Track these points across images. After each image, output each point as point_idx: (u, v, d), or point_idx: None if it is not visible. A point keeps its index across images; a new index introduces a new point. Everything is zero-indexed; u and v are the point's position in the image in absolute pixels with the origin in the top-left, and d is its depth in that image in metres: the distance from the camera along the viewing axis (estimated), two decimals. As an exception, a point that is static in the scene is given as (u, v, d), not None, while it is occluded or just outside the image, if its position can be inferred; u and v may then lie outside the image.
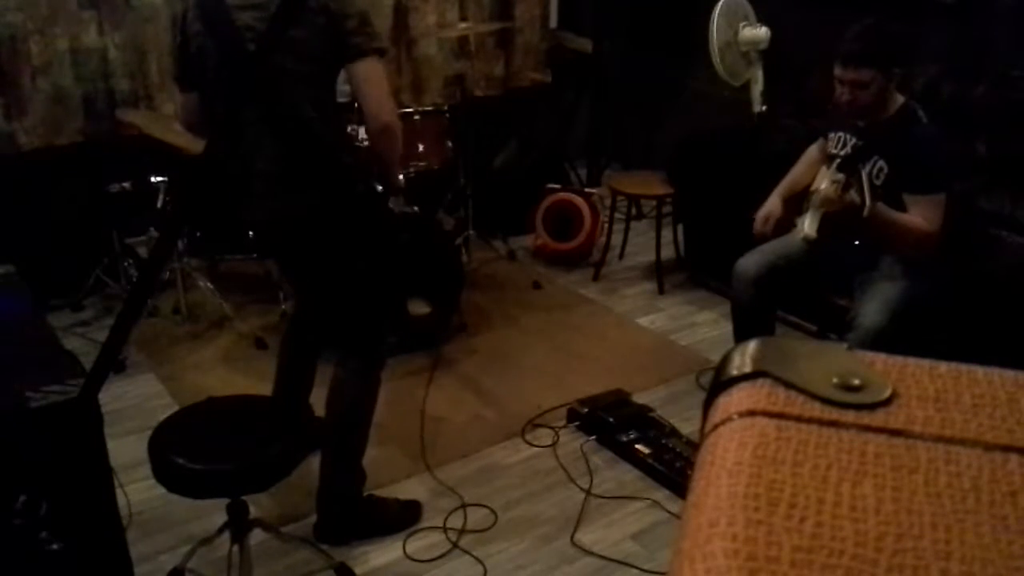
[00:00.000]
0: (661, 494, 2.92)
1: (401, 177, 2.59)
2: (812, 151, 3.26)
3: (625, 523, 2.81)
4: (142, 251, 3.94)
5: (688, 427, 3.19)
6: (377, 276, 2.64)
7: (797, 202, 2.98)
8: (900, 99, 2.93)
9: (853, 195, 2.79)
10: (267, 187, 2.46)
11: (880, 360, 0.46)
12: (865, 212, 2.74)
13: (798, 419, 0.42)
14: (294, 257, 2.67)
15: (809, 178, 3.07)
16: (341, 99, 2.64)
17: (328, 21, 2.28)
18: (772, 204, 3.15)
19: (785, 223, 3.01)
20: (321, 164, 2.42)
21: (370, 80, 2.36)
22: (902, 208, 2.86)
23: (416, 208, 3.68)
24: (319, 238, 2.49)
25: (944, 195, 2.86)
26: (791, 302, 3.68)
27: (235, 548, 2.32)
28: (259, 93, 2.32)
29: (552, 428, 3.25)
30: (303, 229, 2.49)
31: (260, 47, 2.23)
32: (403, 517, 2.79)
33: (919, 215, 2.84)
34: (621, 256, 4.69)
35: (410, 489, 2.93)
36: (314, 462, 2.66)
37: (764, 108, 4.22)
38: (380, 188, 2.58)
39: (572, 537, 2.74)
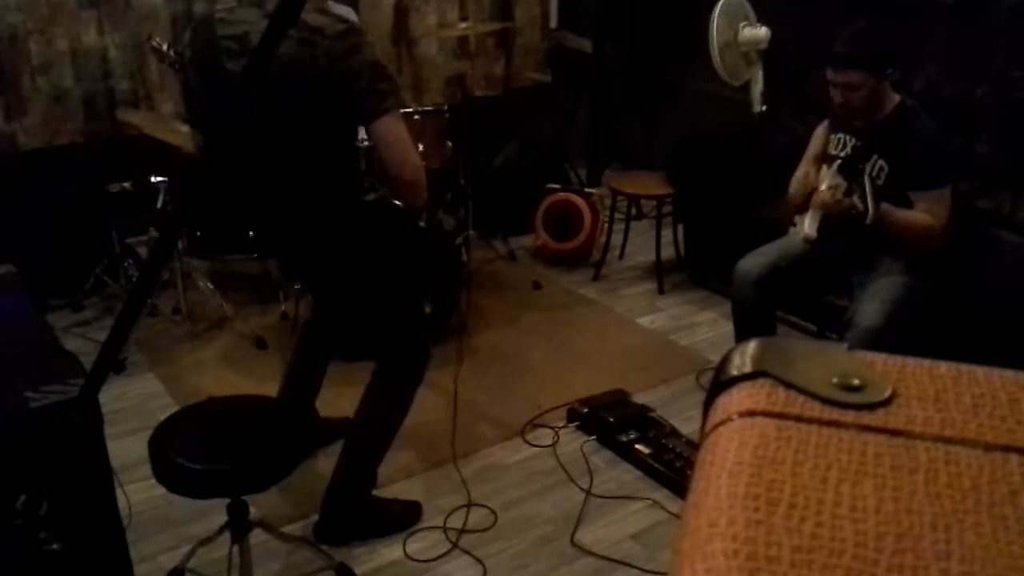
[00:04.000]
0: (661, 494, 2.92)
1: (426, 195, 2.56)
2: (818, 135, 3.22)
3: (625, 523, 2.81)
4: (142, 251, 3.94)
5: (688, 427, 3.19)
6: (409, 293, 2.63)
7: (801, 202, 2.97)
8: (896, 98, 2.94)
9: (856, 201, 2.79)
10: (289, 235, 2.48)
11: (880, 360, 0.46)
12: (868, 220, 2.74)
13: (798, 419, 0.42)
14: (321, 283, 2.67)
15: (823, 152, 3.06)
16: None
17: (333, 85, 2.18)
18: (806, 165, 3.09)
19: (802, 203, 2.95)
20: (336, 213, 2.42)
21: (387, 141, 2.24)
22: (907, 206, 2.86)
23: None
24: (348, 267, 2.50)
25: (948, 189, 2.87)
26: (791, 302, 3.68)
27: (235, 548, 2.32)
28: (267, 154, 2.30)
29: (552, 428, 3.25)
30: (331, 263, 2.50)
31: (243, 88, 2.20)
32: (403, 517, 2.79)
33: (925, 211, 2.84)
34: (621, 256, 4.69)
35: (410, 489, 2.93)
36: (314, 462, 2.67)
37: (764, 108, 4.22)
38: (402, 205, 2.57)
39: (572, 537, 2.74)
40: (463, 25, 4.69)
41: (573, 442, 3.19)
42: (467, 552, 2.68)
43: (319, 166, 2.34)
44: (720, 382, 0.46)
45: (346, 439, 2.68)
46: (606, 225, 4.61)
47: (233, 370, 3.61)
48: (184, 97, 2.51)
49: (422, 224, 2.73)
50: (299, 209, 2.41)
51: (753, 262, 3.11)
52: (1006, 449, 0.40)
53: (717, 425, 0.43)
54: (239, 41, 2.24)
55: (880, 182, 2.89)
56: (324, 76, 2.16)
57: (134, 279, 3.81)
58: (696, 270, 4.41)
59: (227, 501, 2.27)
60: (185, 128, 3.50)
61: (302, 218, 2.42)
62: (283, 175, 2.35)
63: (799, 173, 3.05)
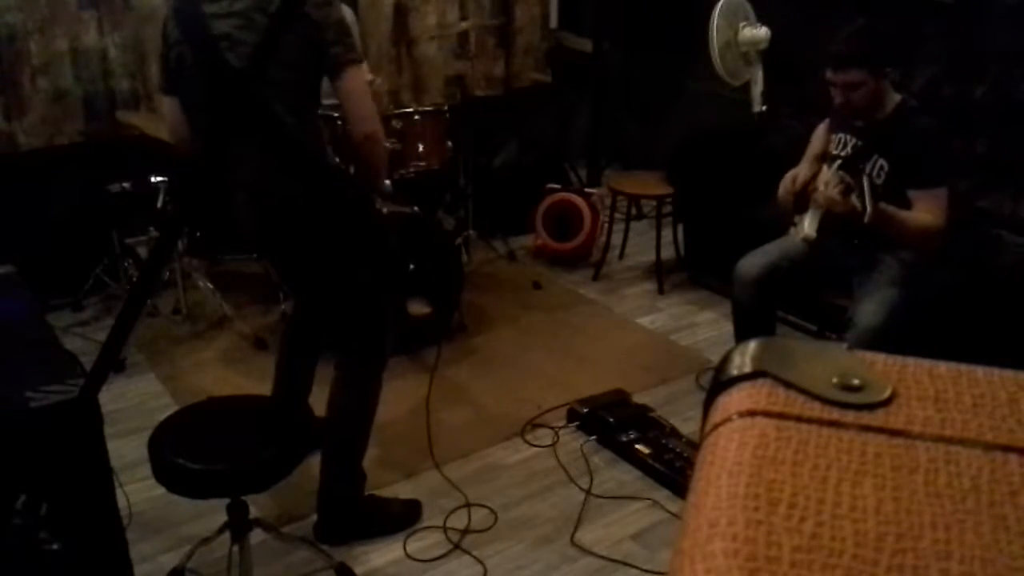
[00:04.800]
0: (661, 494, 2.92)
1: (388, 183, 2.59)
2: (818, 134, 3.22)
3: (625, 523, 2.81)
4: (142, 251, 3.94)
5: (688, 427, 3.19)
6: (372, 278, 2.64)
7: (800, 201, 2.97)
8: (897, 97, 2.94)
9: (854, 200, 2.79)
10: (252, 197, 2.46)
11: (880, 360, 0.46)
12: (866, 219, 2.74)
13: (798, 419, 0.42)
14: (287, 262, 2.67)
15: (823, 151, 3.06)
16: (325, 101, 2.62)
17: (308, 30, 2.26)
18: (801, 168, 3.09)
19: (801, 202, 2.95)
20: (305, 170, 2.42)
21: (352, 91, 2.35)
22: (906, 204, 2.86)
23: (416, 208, 3.68)
24: (311, 243, 2.49)
25: (946, 189, 2.87)
26: (791, 302, 3.68)
27: (235, 548, 2.32)
28: (243, 103, 2.30)
29: (552, 428, 3.25)
30: (293, 235, 2.48)
31: (253, 62, 2.21)
32: (403, 517, 2.79)
33: (924, 209, 2.84)
34: (621, 256, 4.69)
35: (410, 489, 2.93)
36: (314, 462, 2.66)
37: (764, 108, 4.22)
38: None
39: (572, 537, 2.74)
40: (463, 25, 4.69)
41: (573, 442, 3.19)
42: (467, 552, 2.68)
43: (288, 116, 2.34)
44: (720, 382, 0.46)
45: (322, 440, 2.67)
46: (606, 225, 4.60)
47: (233, 370, 3.61)
48: (162, 67, 2.50)
49: (383, 209, 2.76)
50: (267, 163, 2.39)
51: (753, 262, 3.11)
52: (1006, 449, 0.40)
53: (717, 425, 0.43)
54: None
55: (880, 181, 2.89)
56: (302, 18, 2.25)
57: (134, 279, 3.81)
58: (696, 270, 4.41)
59: (227, 501, 2.27)
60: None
61: (270, 173, 2.40)
62: (254, 122, 2.34)
63: (788, 175, 3.03)
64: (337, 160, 2.57)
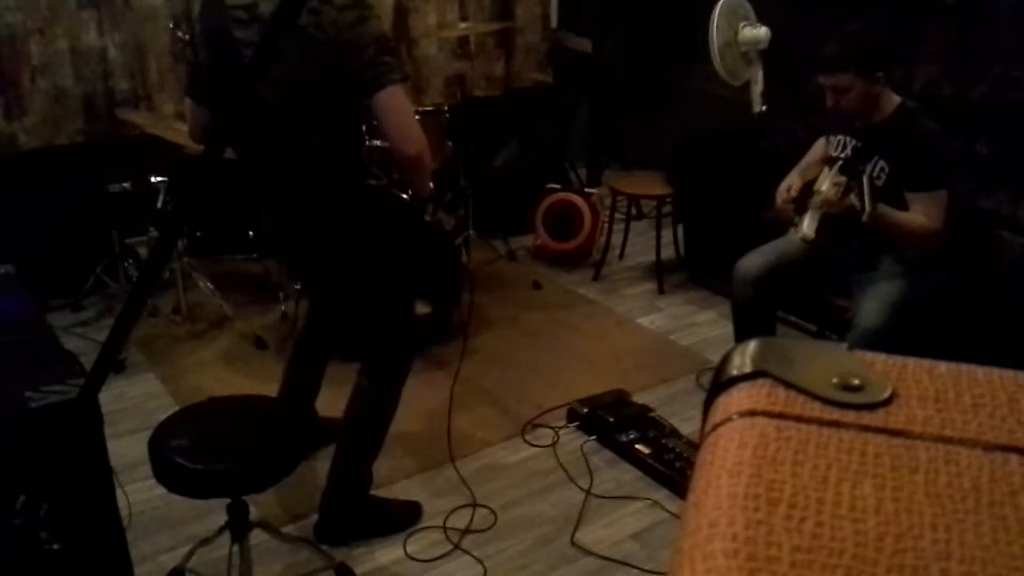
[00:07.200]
0: (661, 494, 2.92)
1: (431, 184, 2.56)
2: (818, 145, 3.25)
3: (625, 523, 2.81)
4: (142, 251, 3.94)
5: (688, 427, 3.19)
6: (406, 288, 2.63)
7: (800, 201, 2.98)
8: (896, 99, 2.94)
9: (853, 199, 2.80)
10: (289, 218, 2.47)
11: (880, 360, 0.46)
12: (864, 218, 2.74)
13: (798, 419, 0.42)
14: (315, 271, 2.66)
15: (819, 168, 3.08)
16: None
17: (339, 55, 2.18)
18: (792, 178, 3.12)
19: (801, 203, 2.97)
20: (339, 196, 2.40)
21: (390, 112, 2.24)
22: (904, 206, 2.86)
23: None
24: (343, 254, 2.48)
25: (946, 192, 2.87)
26: (791, 302, 3.67)
27: (235, 548, 2.32)
28: (269, 133, 2.29)
29: (552, 428, 3.25)
30: (326, 247, 2.48)
31: (251, 71, 2.19)
32: (403, 517, 2.79)
33: (922, 213, 2.84)
34: (621, 256, 4.70)
35: (410, 489, 2.93)
36: (314, 462, 2.67)
37: (764, 108, 4.22)
38: (408, 198, 2.56)
39: (572, 537, 2.74)
40: (463, 25, 4.69)
41: (573, 442, 3.19)
42: (467, 552, 2.68)
43: (322, 142, 2.33)
44: (720, 382, 0.46)
45: (337, 440, 2.68)
46: (606, 225, 4.61)
47: (233, 370, 3.61)
48: (190, 73, 2.49)
49: (427, 218, 2.73)
50: (301, 188, 2.39)
51: (752, 262, 3.11)
52: (1006, 449, 0.40)
53: (717, 425, 0.43)
54: (248, 10, 2.27)
55: (880, 182, 2.89)
56: (331, 45, 2.17)
57: (134, 279, 3.81)
58: (696, 270, 4.41)
59: (227, 501, 2.27)
60: (184, 128, 3.49)
61: (304, 198, 2.41)
62: (287, 148, 2.34)
63: (782, 186, 3.09)
64: (376, 175, 2.52)
